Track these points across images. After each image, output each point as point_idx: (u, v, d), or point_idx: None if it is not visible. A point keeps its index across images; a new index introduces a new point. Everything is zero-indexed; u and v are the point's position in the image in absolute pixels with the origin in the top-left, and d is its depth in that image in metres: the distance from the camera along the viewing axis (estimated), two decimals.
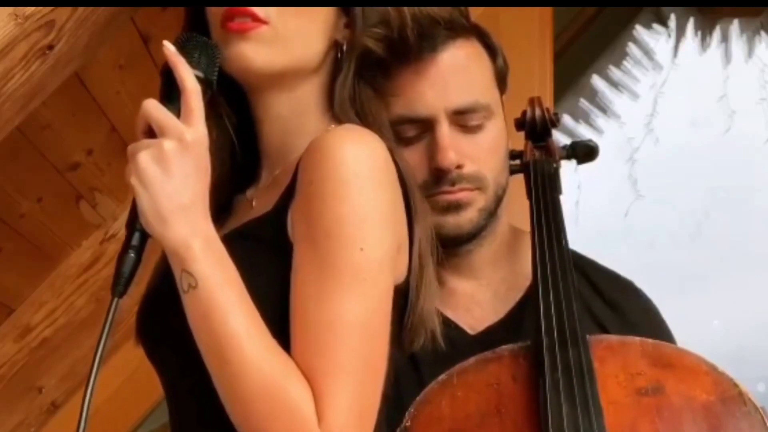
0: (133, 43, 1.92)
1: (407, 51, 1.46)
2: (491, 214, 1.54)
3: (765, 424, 1.26)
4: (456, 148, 1.48)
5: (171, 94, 1.17)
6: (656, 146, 4.13)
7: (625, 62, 3.47)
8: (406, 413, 1.30)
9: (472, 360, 1.36)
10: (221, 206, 1.37)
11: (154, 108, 1.15)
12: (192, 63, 1.19)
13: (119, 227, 2.29)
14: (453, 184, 1.49)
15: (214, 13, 1.29)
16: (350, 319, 1.15)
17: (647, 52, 3.48)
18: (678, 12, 3.39)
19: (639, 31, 3.44)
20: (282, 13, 1.28)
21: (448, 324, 1.49)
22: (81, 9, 1.41)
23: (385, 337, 1.19)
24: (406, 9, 1.43)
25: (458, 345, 1.46)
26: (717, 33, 3.39)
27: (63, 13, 1.38)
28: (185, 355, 1.21)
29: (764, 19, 3.33)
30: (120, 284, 1.15)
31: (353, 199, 1.17)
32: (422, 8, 1.47)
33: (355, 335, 1.15)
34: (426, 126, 1.49)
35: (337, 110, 1.32)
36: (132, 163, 1.14)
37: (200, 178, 1.16)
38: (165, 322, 1.26)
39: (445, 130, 1.48)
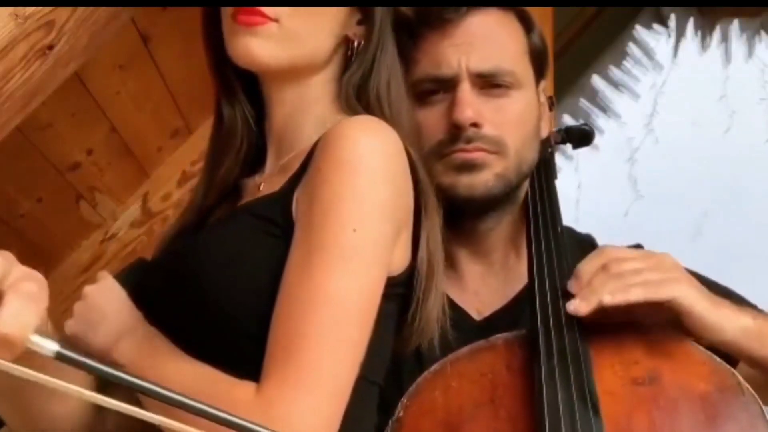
0: (133, 43, 1.92)
1: (431, 12, 1.48)
2: (510, 184, 1.51)
3: (763, 414, 1.24)
4: (476, 109, 1.46)
5: None
6: (656, 146, 4.14)
7: (625, 62, 3.47)
8: (399, 404, 1.29)
9: (465, 349, 1.34)
10: (229, 186, 1.39)
11: None
12: None
13: (119, 227, 2.29)
14: (468, 141, 1.47)
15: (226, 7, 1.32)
16: (326, 296, 1.13)
17: (647, 52, 3.47)
18: (678, 12, 3.38)
19: (639, 31, 3.44)
20: (292, 10, 1.29)
21: (454, 308, 1.47)
22: (81, 9, 1.41)
23: (368, 320, 1.17)
24: None
25: (464, 330, 1.44)
26: (717, 33, 3.39)
27: (63, 13, 1.37)
28: (182, 326, 1.22)
29: (764, 19, 3.33)
30: None
31: (355, 182, 1.17)
32: None
33: (327, 312, 1.13)
34: (448, 86, 1.48)
35: (342, 104, 1.33)
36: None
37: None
38: (162, 294, 1.27)
39: (465, 88, 1.47)
